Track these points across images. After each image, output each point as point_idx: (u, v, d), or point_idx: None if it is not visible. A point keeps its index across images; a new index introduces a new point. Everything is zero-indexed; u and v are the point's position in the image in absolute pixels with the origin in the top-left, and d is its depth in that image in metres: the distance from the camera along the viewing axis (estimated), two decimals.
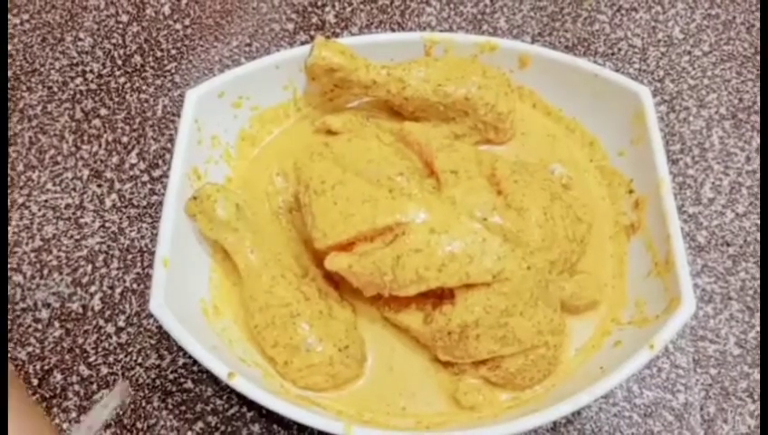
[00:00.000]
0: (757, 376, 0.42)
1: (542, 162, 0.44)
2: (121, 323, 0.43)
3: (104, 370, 0.41)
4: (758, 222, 0.46)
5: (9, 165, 0.48)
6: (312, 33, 0.55)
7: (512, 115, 0.44)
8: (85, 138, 0.50)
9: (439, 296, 0.37)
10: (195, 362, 0.36)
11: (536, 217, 0.37)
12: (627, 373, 0.34)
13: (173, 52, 0.54)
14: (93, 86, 0.52)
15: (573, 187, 0.43)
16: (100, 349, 0.42)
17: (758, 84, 0.52)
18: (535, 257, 0.36)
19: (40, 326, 0.43)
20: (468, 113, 0.43)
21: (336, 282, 0.40)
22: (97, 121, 0.50)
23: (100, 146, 0.49)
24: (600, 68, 0.44)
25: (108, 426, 0.40)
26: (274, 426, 0.40)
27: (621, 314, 0.39)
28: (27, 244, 0.45)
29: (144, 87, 0.52)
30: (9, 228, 0.46)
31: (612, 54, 0.54)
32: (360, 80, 0.42)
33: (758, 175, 0.48)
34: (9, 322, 0.42)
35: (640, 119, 0.42)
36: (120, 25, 0.55)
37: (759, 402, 0.41)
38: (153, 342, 0.42)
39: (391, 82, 0.42)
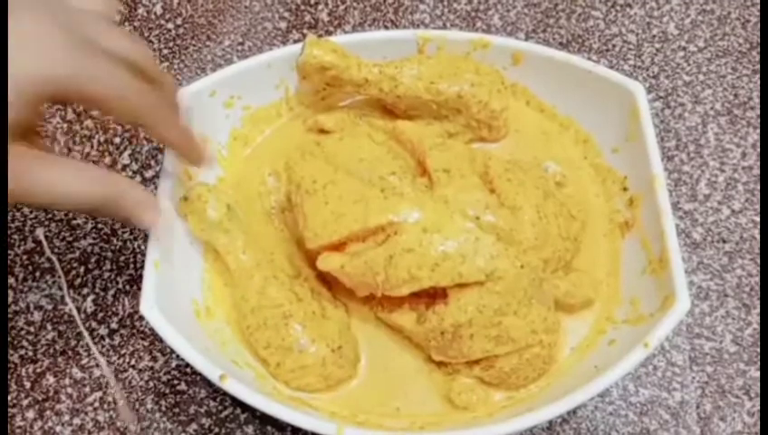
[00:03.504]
0: (754, 373, 0.41)
1: (536, 160, 0.44)
2: (114, 326, 0.42)
3: (97, 372, 0.41)
4: (754, 218, 0.46)
5: None
6: (305, 31, 0.54)
7: (505, 113, 0.44)
8: (77, 139, 0.49)
9: (432, 296, 0.36)
10: (188, 363, 0.36)
11: (529, 216, 0.37)
12: (622, 372, 0.34)
13: (165, 51, 0.53)
14: None
15: (567, 184, 0.43)
16: (93, 351, 0.42)
17: (753, 80, 0.52)
18: (529, 256, 0.36)
19: (32, 329, 0.42)
20: (461, 111, 0.43)
21: (329, 282, 0.40)
22: (89, 122, 0.50)
23: (92, 147, 0.49)
24: (595, 65, 0.43)
25: (101, 428, 0.40)
26: (268, 427, 0.40)
27: (616, 312, 0.39)
28: (19, 246, 0.45)
29: None
30: None
31: (607, 51, 0.53)
32: (352, 78, 0.42)
33: (754, 171, 0.48)
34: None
35: (635, 116, 0.41)
36: None
37: (756, 400, 0.40)
38: (146, 344, 0.42)
39: (383, 81, 0.42)
